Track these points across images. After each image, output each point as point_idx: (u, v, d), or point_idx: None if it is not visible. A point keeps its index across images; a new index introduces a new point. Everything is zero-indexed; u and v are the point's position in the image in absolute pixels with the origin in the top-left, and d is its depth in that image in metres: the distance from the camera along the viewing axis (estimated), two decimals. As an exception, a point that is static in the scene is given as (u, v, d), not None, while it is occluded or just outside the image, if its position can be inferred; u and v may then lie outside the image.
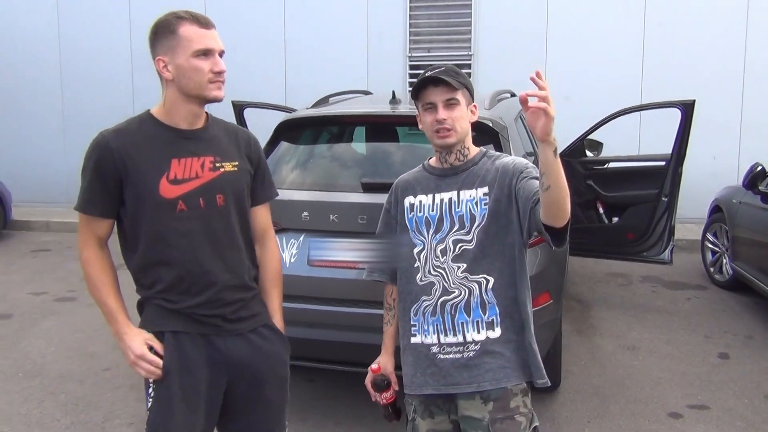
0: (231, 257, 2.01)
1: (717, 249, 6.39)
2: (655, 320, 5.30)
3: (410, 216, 2.18)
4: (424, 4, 9.40)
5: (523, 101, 1.76)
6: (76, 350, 4.71)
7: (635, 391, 3.99)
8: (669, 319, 5.32)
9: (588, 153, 6.11)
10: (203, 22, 1.91)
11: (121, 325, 1.94)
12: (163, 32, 1.90)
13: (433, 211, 2.14)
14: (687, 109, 5.15)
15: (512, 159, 2.15)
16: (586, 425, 3.61)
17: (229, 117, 5.87)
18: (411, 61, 9.39)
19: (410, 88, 2.18)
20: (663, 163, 5.43)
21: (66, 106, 10.49)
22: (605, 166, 5.93)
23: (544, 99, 1.72)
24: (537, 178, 1.97)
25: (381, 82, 8.66)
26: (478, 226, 2.07)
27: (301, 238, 3.36)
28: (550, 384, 2.12)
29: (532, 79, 1.74)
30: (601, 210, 5.81)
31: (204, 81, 1.90)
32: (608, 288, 6.26)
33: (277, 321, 2.20)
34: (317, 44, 9.62)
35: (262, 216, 2.19)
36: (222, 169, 1.99)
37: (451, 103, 2.08)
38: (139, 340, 1.94)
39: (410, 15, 9.38)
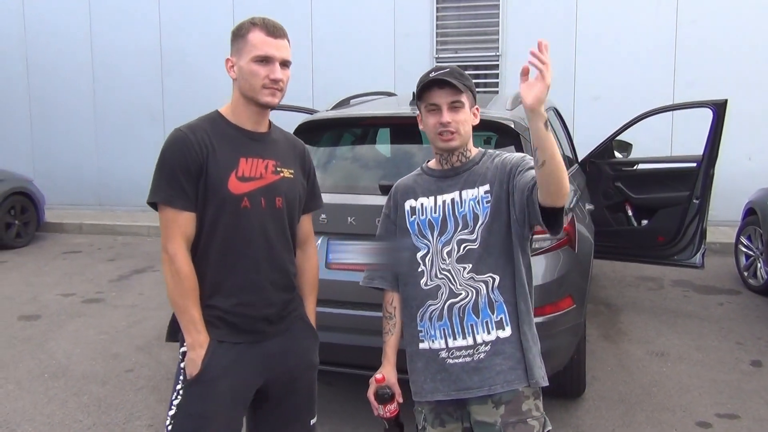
0: (281, 257, 2.08)
1: (751, 252, 6.22)
2: (686, 325, 5.17)
3: (412, 219, 2.16)
4: (451, 4, 9.35)
5: (525, 72, 1.79)
6: (101, 351, 4.76)
7: (663, 399, 3.89)
8: (700, 325, 5.18)
9: (617, 154, 5.98)
10: (271, 31, 1.97)
11: (203, 338, 1.96)
12: (237, 35, 2.00)
13: (435, 213, 2.12)
14: (719, 109, 5.02)
15: (510, 154, 2.13)
16: (611, 433, 3.53)
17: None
18: (438, 62, 9.32)
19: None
20: (694, 164, 5.30)
21: (98, 109, 10.67)
22: (634, 167, 5.80)
23: (544, 68, 1.75)
24: (533, 168, 1.95)
25: (408, 84, 8.55)
26: (482, 224, 2.05)
27: (320, 241, 3.33)
28: (547, 384, 2.08)
29: (533, 53, 1.76)
30: (630, 212, 5.69)
31: (258, 85, 1.96)
32: (638, 292, 6.13)
33: (311, 323, 2.26)
34: (344, 46, 9.64)
35: (306, 224, 2.27)
36: (281, 174, 2.08)
37: (455, 106, 2.06)
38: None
39: (437, 16, 9.34)
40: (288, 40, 2.02)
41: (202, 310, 1.98)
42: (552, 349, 3.15)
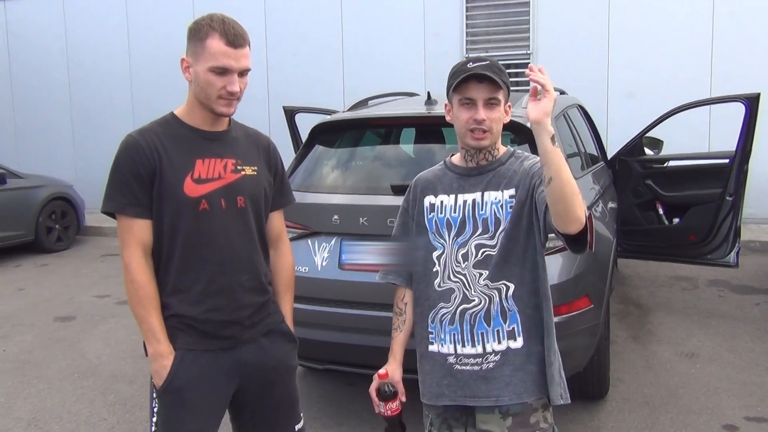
0: (248, 258, 2.01)
1: (791, 251, 6.01)
2: (719, 326, 5.03)
3: (430, 217, 2.06)
4: (481, 3, 9.29)
5: (533, 93, 1.75)
6: (130, 352, 4.86)
7: (689, 401, 3.78)
8: (734, 326, 5.03)
9: (647, 151, 5.86)
10: (231, 40, 1.86)
11: (163, 347, 1.91)
12: (194, 36, 1.90)
13: (455, 212, 2.02)
14: (751, 103, 4.87)
15: (537, 159, 1.99)
16: (633, 436, 3.45)
17: (283, 122, 5.98)
18: (469, 61, 9.28)
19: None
20: (727, 160, 5.15)
21: (136, 117, 10.91)
22: (665, 164, 5.67)
23: (545, 82, 1.73)
24: None
25: (438, 84, 8.56)
26: (503, 230, 1.96)
27: (333, 242, 3.35)
28: (569, 401, 1.98)
29: (528, 74, 1.73)
30: (660, 211, 5.56)
31: (213, 96, 1.90)
32: (671, 292, 5.98)
33: (289, 324, 2.18)
34: (374, 47, 9.67)
35: (277, 221, 2.18)
36: (243, 172, 2.00)
37: (492, 103, 1.94)
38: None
39: (467, 15, 9.30)
40: (249, 45, 1.92)
41: (169, 318, 1.94)
42: (568, 350, 3.08)
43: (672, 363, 4.35)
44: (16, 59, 11.69)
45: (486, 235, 1.97)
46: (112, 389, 4.20)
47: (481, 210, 1.99)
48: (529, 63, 9.07)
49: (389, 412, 2.11)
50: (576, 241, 1.82)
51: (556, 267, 3.09)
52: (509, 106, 2.04)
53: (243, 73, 1.92)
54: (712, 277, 6.33)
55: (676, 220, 5.50)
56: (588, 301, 3.22)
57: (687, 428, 3.49)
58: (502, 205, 1.97)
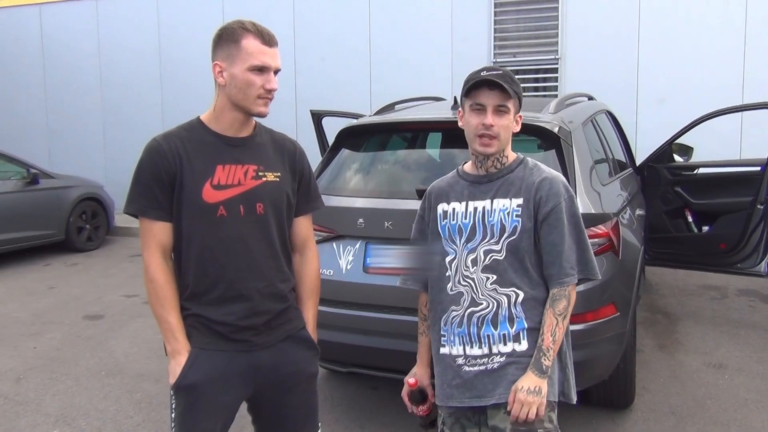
0: (267, 265, 2.02)
1: (824, 261, 5.88)
2: (749, 337, 4.94)
3: (443, 223, 2.13)
4: (509, 8, 9.26)
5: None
6: (156, 351, 4.92)
7: (716, 412, 3.72)
8: (764, 336, 4.94)
9: (677, 158, 5.78)
10: (266, 39, 1.93)
11: (181, 346, 1.95)
12: (227, 40, 1.93)
13: (465, 219, 2.08)
14: (785, 109, 4.79)
15: (549, 180, 2.05)
16: (658, 447, 3.41)
17: (310, 125, 6.01)
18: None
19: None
20: (758, 168, 5.07)
21: (166, 118, 11.07)
22: (694, 171, 5.59)
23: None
24: (559, 230, 2.01)
25: (465, 89, 8.59)
26: (508, 237, 2.02)
27: (358, 245, 3.36)
28: (574, 402, 2.03)
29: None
30: (690, 218, 5.49)
31: (252, 95, 1.93)
32: (700, 301, 5.89)
33: (311, 330, 2.18)
34: (401, 51, 9.69)
35: (304, 226, 2.18)
36: (264, 179, 2.01)
37: (501, 110, 2.01)
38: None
39: (495, 20, 9.28)
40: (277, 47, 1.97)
41: (188, 317, 1.97)
42: (592, 359, 3.07)
43: (699, 373, 4.29)
44: (50, 62, 11.95)
45: (492, 241, 2.04)
46: (138, 388, 4.26)
47: (490, 217, 2.06)
48: (557, 67, 9.03)
49: (421, 412, 2.27)
50: None
51: (581, 274, 3.07)
52: (520, 117, 2.11)
53: (275, 72, 1.95)
54: (743, 287, 6.22)
55: (705, 228, 5.42)
56: (614, 309, 3.19)
57: (714, 440, 3.44)
58: (508, 212, 2.03)
